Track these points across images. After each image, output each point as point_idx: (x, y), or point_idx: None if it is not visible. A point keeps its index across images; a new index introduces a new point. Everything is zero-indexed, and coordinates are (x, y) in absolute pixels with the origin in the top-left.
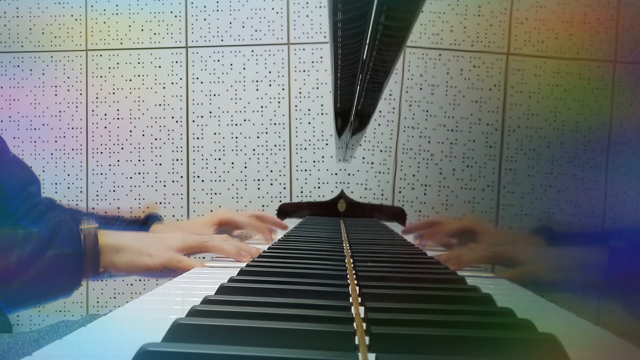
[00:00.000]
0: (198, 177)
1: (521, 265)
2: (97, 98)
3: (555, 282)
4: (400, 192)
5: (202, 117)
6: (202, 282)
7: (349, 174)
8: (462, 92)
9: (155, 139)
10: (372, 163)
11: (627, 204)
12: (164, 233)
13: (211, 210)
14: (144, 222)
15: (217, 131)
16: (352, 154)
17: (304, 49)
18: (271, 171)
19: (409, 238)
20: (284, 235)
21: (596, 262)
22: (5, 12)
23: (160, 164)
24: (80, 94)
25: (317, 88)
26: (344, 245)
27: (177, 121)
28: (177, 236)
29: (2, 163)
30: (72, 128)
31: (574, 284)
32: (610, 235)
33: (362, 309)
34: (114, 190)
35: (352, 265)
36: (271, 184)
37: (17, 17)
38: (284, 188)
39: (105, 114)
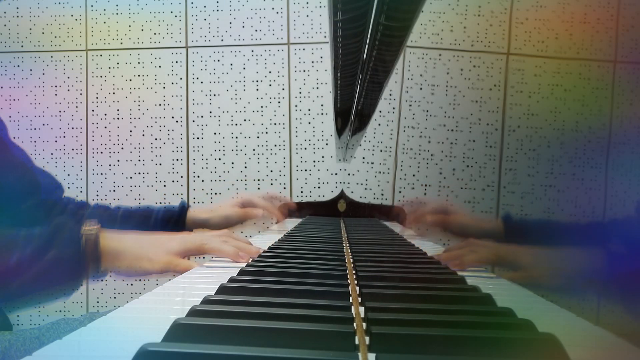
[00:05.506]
0: (198, 177)
1: (522, 268)
2: (97, 98)
3: (557, 284)
4: (400, 192)
5: (202, 117)
6: (202, 282)
7: (349, 174)
8: (462, 92)
9: (155, 139)
10: (372, 163)
11: (627, 204)
12: (165, 235)
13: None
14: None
15: (217, 131)
16: (352, 154)
17: (304, 49)
18: (271, 171)
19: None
20: (284, 235)
21: (596, 264)
22: (5, 12)
23: (160, 164)
24: (80, 94)
25: (317, 88)
26: (344, 245)
27: (177, 121)
28: (177, 239)
29: (27, 171)
30: (72, 128)
31: (575, 286)
32: (576, 228)
33: (362, 309)
34: (114, 190)
35: (352, 265)
36: (271, 184)
37: (17, 17)
38: (284, 188)
39: (105, 114)
